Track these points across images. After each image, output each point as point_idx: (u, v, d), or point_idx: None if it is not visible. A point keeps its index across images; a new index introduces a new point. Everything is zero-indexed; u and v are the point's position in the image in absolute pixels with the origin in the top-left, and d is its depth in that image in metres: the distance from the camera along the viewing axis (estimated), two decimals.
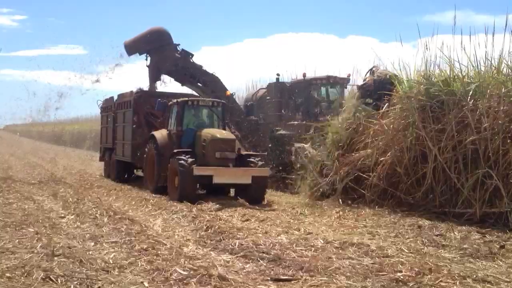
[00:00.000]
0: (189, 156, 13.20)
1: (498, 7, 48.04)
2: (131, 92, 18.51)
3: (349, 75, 18.59)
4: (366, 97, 13.51)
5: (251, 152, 14.92)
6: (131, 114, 18.04)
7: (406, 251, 7.96)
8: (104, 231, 9.15)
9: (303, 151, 14.19)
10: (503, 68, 11.28)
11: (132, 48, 20.03)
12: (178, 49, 19.80)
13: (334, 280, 6.30)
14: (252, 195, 13.31)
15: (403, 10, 54.23)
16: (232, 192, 14.80)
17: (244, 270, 6.79)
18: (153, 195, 14.35)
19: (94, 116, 52.05)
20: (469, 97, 10.95)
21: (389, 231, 9.65)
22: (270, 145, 17.58)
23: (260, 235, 9.00)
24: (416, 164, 11.47)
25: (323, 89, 18.42)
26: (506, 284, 6.27)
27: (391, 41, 52.11)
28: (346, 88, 17.77)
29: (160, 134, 15.27)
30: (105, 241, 8.25)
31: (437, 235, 9.14)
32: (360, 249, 8.01)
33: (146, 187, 15.79)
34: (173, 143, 14.63)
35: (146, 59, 19.81)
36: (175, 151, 13.76)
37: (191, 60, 19.86)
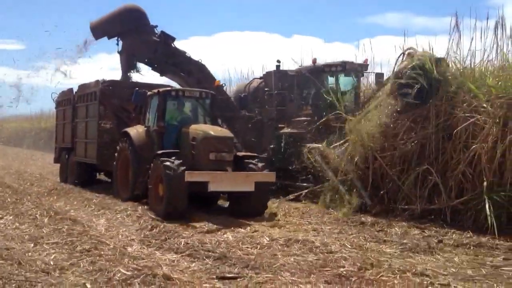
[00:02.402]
0: (175, 158, 10.63)
1: (436, 9, 49.86)
2: (97, 82, 15.56)
3: (366, 61, 14.95)
4: (402, 88, 10.80)
5: (249, 153, 12.05)
6: (96, 108, 15.26)
7: (349, 247, 8.13)
8: (44, 232, 8.88)
9: (318, 153, 12.42)
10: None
11: (100, 30, 16.89)
12: (156, 31, 16.73)
13: (279, 277, 6.37)
14: (253, 205, 10.99)
15: (346, 11, 55.56)
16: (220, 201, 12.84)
17: (190, 269, 6.76)
18: (96, 194, 13.73)
19: (34, 113, 50.51)
20: None
21: (333, 227, 9.84)
22: (272, 146, 15.02)
23: (206, 233, 8.97)
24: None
25: (331, 78, 15.04)
26: (443, 277, 6.51)
27: (335, 41, 53.06)
28: (363, 76, 15.17)
29: (135, 131, 12.60)
30: (45, 242, 8.02)
31: (378, 231, 9.41)
32: (305, 245, 8.12)
33: (116, 195, 13.04)
34: (153, 142, 12.15)
35: (117, 44, 16.84)
36: (159, 152, 11.09)
37: (173, 45, 16.80)
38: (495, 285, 6.16)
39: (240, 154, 11.76)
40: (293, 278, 6.33)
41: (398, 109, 11.07)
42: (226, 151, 11.02)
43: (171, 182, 10.22)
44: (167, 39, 16.61)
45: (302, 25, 57.54)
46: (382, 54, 14.17)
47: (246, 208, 10.96)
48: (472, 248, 8.22)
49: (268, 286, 6.08)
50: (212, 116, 12.72)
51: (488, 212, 8.99)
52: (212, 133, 11.22)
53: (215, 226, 9.55)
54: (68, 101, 17.77)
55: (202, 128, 11.48)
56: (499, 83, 10.03)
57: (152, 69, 17.14)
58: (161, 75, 17.34)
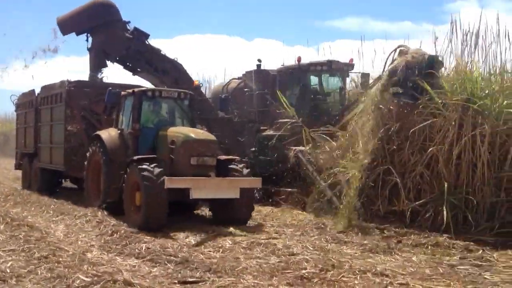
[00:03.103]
0: (154, 164, 9.80)
1: (394, 14, 50.94)
2: (62, 82, 14.64)
3: (352, 60, 14.31)
4: (392, 86, 10.46)
5: (231, 157, 11.27)
6: (62, 110, 14.30)
7: (311, 248, 8.22)
8: (0, 239, 8.64)
9: (305, 157, 12.03)
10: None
11: (68, 25, 15.84)
12: (129, 27, 15.80)
13: (242, 280, 6.37)
14: (237, 213, 10.34)
15: (307, 15, 56.21)
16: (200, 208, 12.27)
17: (151, 274, 6.69)
18: (55, 200, 13.41)
19: None
20: None
21: (295, 230, 9.91)
22: (253, 149, 14.36)
23: (168, 238, 8.89)
24: None
25: (314, 78, 14.71)
26: (402, 276, 6.64)
27: (296, 44, 53.66)
28: (348, 76, 14.57)
29: (107, 134, 11.67)
30: (2, 249, 7.80)
31: (339, 233, 9.51)
32: (267, 248, 8.16)
33: (87, 202, 12.03)
34: (127, 146, 11.32)
35: (87, 41, 15.85)
36: (135, 158, 10.25)
37: (147, 42, 15.96)
38: (451, 283, 6.32)
39: (223, 158, 10.93)
40: (256, 281, 6.34)
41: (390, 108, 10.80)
42: (209, 155, 10.33)
43: (150, 190, 9.46)
44: (141, 35, 15.87)
45: (263, 29, 57.87)
46: (342, 58, 14.18)
47: (229, 216, 10.28)
48: (430, 248, 8.41)
49: None
50: (191, 118, 11.90)
51: (445, 214, 9.19)
52: (193, 136, 10.48)
53: (199, 238, 9.02)
54: (30, 104, 16.81)
55: (182, 131, 10.76)
56: (454, 86, 10.30)
57: (124, 68, 16.32)
58: (134, 74, 16.50)
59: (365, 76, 13.51)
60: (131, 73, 16.41)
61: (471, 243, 8.53)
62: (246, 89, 15.43)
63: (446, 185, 9.50)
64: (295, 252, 7.90)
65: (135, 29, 15.76)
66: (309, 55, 15.93)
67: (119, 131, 11.64)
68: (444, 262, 7.47)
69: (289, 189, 12.77)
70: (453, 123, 9.87)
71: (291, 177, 12.80)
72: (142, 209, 9.61)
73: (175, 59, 16.18)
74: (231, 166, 10.65)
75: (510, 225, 8.96)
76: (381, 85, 10.65)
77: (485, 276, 6.73)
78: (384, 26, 49.62)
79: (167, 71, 15.98)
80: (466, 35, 10.60)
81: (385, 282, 6.35)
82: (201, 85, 16.59)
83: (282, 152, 13.09)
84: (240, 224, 10.06)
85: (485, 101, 9.69)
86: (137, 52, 15.77)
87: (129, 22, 15.87)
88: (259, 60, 15.48)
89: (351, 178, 10.13)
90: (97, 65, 15.85)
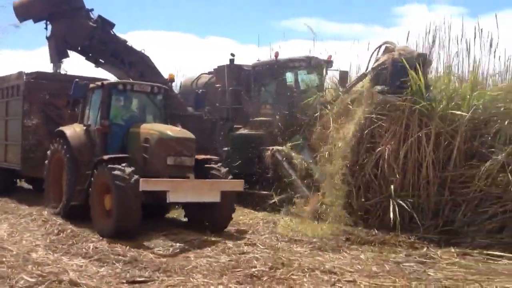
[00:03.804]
0: (126, 164, 8.92)
1: (345, 16, 51.92)
2: (19, 74, 13.53)
3: (330, 57, 13.60)
4: (378, 84, 10.26)
5: (208, 156, 10.39)
6: (19, 104, 13.25)
7: (261, 247, 8.26)
8: None
9: (283, 157, 11.59)
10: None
11: (25, 11, 14.51)
12: (93, 15, 14.63)
13: (191, 279, 6.33)
14: (216, 218, 9.59)
15: (261, 14, 56.56)
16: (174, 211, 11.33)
17: (99, 274, 6.56)
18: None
19: None
20: None
21: (247, 228, 9.94)
22: (227, 148, 13.46)
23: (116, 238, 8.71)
24: None
25: (290, 75, 14.00)
26: (350, 274, 6.76)
27: (250, 43, 53.94)
28: (327, 73, 13.79)
29: (72, 130, 10.65)
30: None
31: (289, 231, 9.59)
32: (218, 247, 8.15)
33: (48, 205, 10.94)
34: (94, 144, 10.40)
35: (46, 29, 14.58)
36: (105, 157, 9.30)
37: (112, 32, 14.84)
38: (397, 280, 6.48)
39: (200, 157, 10.03)
40: (205, 280, 6.32)
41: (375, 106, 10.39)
42: (187, 155, 9.46)
43: (123, 193, 8.56)
44: (105, 24, 14.71)
45: (217, 27, 57.67)
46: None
47: (208, 221, 9.59)
48: (377, 245, 8.62)
49: None
50: (164, 115, 10.93)
51: (392, 213, 9.41)
52: (170, 133, 9.59)
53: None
54: None
55: (157, 128, 9.85)
56: None
57: (86, 59, 15.16)
58: (97, 66, 15.31)
59: (343, 73, 13.11)
60: (93, 65, 15.32)
61: (417, 241, 8.80)
62: (217, 85, 14.55)
63: (392, 186, 9.72)
64: (245, 251, 7.93)
65: (99, 17, 14.65)
66: (264, 54, 15.24)
67: (85, 127, 10.64)
68: (391, 259, 7.66)
69: (265, 192, 12.05)
70: (400, 123, 10.08)
71: (267, 178, 12.18)
72: (113, 214, 8.71)
73: (142, 51, 15.20)
74: (209, 166, 9.92)
75: (453, 223, 9.27)
76: (366, 84, 10.41)
77: (429, 273, 6.93)
78: (337, 27, 50.33)
79: (133, 63, 14.92)
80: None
81: (333, 279, 6.46)
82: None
83: (258, 152, 12.49)
84: (219, 230, 9.46)
85: (430, 103, 9.97)
86: (101, 42, 14.68)
87: (92, 9, 14.76)
88: (232, 55, 14.63)
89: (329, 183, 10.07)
90: (57, 55, 14.72)
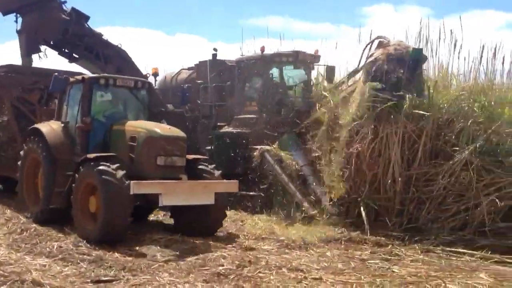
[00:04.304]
0: (116, 164, 8.31)
1: (314, 15, 52.26)
2: None
3: (317, 51, 13.05)
4: (371, 80, 9.94)
5: (199, 156, 9.92)
6: None
7: (229, 245, 8.25)
8: None
9: (273, 158, 11.14)
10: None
11: None
12: (66, 8, 13.85)
13: (157, 278, 6.31)
14: (207, 221, 9.03)
15: (230, 12, 56.33)
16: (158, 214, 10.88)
17: (62, 274, 6.48)
18: None
19: None
20: None
21: None
22: (210, 147, 12.81)
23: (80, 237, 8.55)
24: None
25: (275, 70, 13.30)
26: (316, 271, 6.83)
27: (218, 40, 53.64)
28: (313, 69, 13.27)
29: (49, 128, 9.91)
30: None
31: (258, 229, 9.62)
32: (185, 245, 8.11)
33: (23, 208, 10.26)
34: (73, 142, 9.71)
35: (16, 22, 13.87)
36: (90, 156, 8.72)
37: (87, 25, 14.05)
38: (362, 277, 6.57)
39: (190, 157, 9.43)
40: (171, 279, 6.30)
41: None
42: (178, 155, 8.94)
43: (112, 196, 7.98)
44: (80, 17, 13.88)
45: (185, 24, 57.12)
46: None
47: (199, 225, 8.97)
48: (343, 243, 8.70)
49: None
50: (148, 111, 10.28)
51: (363, 214, 9.51)
52: (159, 131, 8.98)
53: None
54: None
55: (144, 126, 9.24)
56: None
57: (59, 54, 14.43)
58: (71, 61, 14.54)
59: (330, 69, 12.85)
60: (67, 60, 14.54)
61: (382, 238, 8.91)
62: (199, 81, 13.94)
63: (365, 184, 9.79)
64: (213, 249, 7.91)
65: (73, 9, 13.85)
66: (234, 52, 14.77)
67: (62, 125, 9.94)
68: (356, 256, 7.75)
69: (252, 193, 11.49)
70: (373, 121, 10.08)
71: (253, 179, 11.63)
72: (101, 218, 8.09)
73: (119, 46, 14.42)
74: (200, 167, 9.35)
75: (417, 221, 9.41)
76: (361, 81, 10.08)
77: (394, 270, 7.04)
78: (306, 26, 50.60)
79: (110, 58, 14.13)
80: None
81: (299, 277, 6.51)
82: (148, 75, 14.43)
83: (244, 151, 12.07)
84: (209, 234, 9.00)
85: (398, 101, 10.06)
86: (75, 36, 13.90)
87: (65, 1, 13.99)
88: (215, 49, 13.94)
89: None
90: (28, 49, 13.92)
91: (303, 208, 10.32)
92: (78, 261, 7.00)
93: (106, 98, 10.21)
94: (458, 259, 7.81)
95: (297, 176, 10.94)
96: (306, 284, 6.25)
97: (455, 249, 8.19)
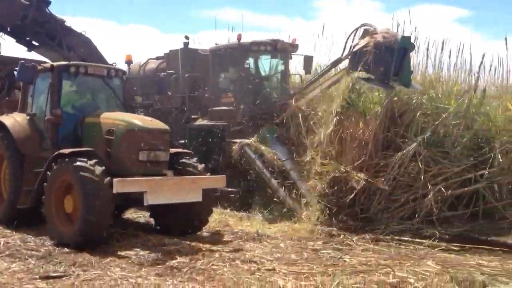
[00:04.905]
0: (96, 160, 7.65)
1: (269, 8, 52.29)
2: None
3: (295, 40, 12.48)
4: (357, 69, 9.63)
5: (180, 150, 9.41)
6: None
7: (184, 239, 8.20)
8: None
9: (253, 152, 10.70)
10: None
11: None
12: None
13: (108, 273, 6.21)
14: (192, 219, 8.55)
15: (182, 3, 55.42)
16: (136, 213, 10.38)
17: (10, 270, 6.31)
18: None
19: None
20: None
21: None
22: (183, 141, 12.15)
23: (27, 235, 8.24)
24: None
25: (259, 59, 12.69)
26: (269, 262, 6.88)
27: (172, 32, 52.79)
28: (291, 58, 12.69)
29: (13, 121, 9.12)
30: None
31: (212, 221, 9.60)
32: (139, 240, 8.02)
33: None
34: (41, 136, 8.99)
35: None
36: (65, 151, 7.86)
37: (48, 11, 13.18)
38: (314, 267, 6.67)
39: (173, 151, 8.82)
40: (123, 273, 6.21)
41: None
42: (162, 149, 8.29)
43: (92, 194, 7.29)
44: (41, 2, 12.97)
45: (137, 14, 55.82)
46: None
47: (183, 223, 8.51)
48: (297, 234, 8.79)
49: (97, 283, 5.87)
50: (122, 102, 9.58)
51: (317, 208, 9.60)
52: (140, 124, 8.28)
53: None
54: None
55: (122, 118, 8.49)
56: None
57: (16, 41, 13.52)
58: (30, 49, 13.61)
59: (308, 58, 12.45)
60: (26, 48, 13.63)
61: (334, 228, 9.06)
62: (170, 71, 13.13)
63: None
64: (167, 243, 7.84)
65: None
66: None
67: (28, 117, 9.14)
68: (309, 247, 7.88)
69: (230, 189, 10.75)
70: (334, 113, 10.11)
71: (233, 174, 10.95)
72: (79, 221, 7.38)
73: (83, 33, 13.57)
74: (183, 160, 8.80)
75: (368, 211, 9.62)
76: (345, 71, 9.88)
77: (345, 259, 7.19)
78: (261, 19, 50.59)
79: (72, 46, 13.26)
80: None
81: (253, 268, 6.55)
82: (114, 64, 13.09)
83: (220, 144, 11.65)
84: (193, 233, 8.61)
85: (352, 95, 10.21)
86: (36, 22, 12.96)
87: None
88: (187, 38, 13.24)
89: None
90: None
91: (288, 205, 10.09)
92: (26, 257, 6.83)
93: (77, 87, 9.46)
94: (407, 247, 8.06)
95: (279, 171, 10.60)
96: (260, 275, 6.28)
97: (404, 238, 8.45)
